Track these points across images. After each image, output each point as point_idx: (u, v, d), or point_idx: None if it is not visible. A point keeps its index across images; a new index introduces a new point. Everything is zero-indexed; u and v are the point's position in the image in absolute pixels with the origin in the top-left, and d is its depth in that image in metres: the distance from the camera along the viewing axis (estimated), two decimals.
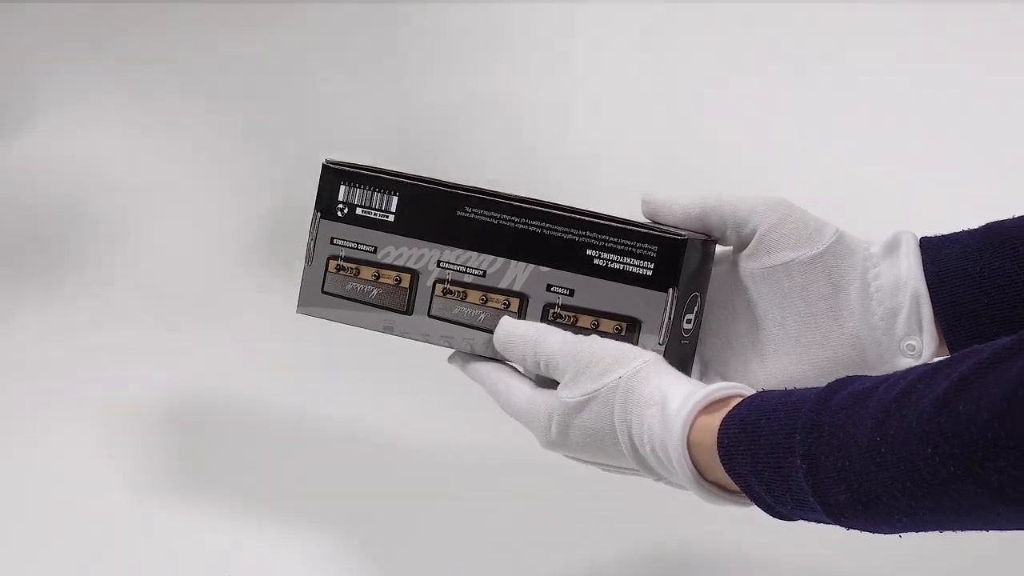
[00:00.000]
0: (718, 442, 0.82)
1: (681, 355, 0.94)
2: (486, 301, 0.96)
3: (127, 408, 1.32)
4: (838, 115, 1.50)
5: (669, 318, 0.92)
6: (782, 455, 0.79)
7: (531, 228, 0.95)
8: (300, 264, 1.00)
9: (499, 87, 1.51)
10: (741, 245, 0.95)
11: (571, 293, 0.94)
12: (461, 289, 0.96)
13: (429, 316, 0.97)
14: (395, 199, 0.98)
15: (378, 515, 1.20)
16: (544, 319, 0.94)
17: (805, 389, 0.82)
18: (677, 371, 0.88)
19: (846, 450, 0.76)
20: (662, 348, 0.91)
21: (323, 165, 1.00)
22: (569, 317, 0.94)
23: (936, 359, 0.77)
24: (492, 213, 0.96)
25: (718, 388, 0.85)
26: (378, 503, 1.21)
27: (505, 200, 0.96)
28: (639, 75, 1.52)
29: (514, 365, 0.96)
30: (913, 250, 0.93)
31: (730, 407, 0.84)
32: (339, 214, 0.99)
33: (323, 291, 0.99)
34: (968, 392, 0.71)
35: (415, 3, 1.47)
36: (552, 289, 0.94)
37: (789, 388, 0.83)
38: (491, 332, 0.95)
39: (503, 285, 0.95)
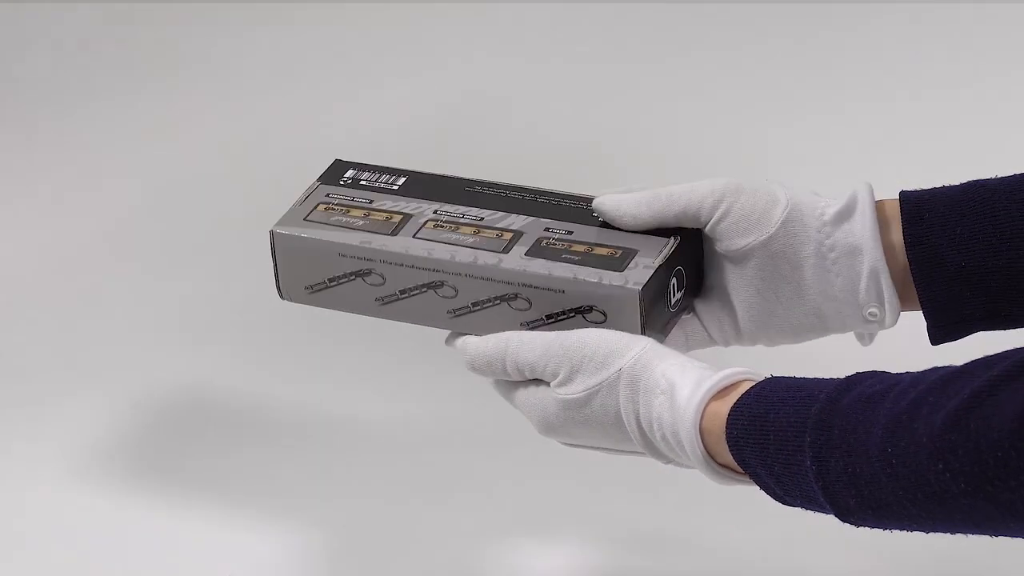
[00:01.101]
0: (727, 432, 0.82)
1: (664, 321, 0.93)
2: (478, 232, 0.95)
3: (125, 409, 1.31)
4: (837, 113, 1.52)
5: (669, 251, 0.92)
6: (792, 452, 0.79)
7: (540, 200, 0.97)
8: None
9: (499, 87, 1.51)
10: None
11: (569, 233, 0.94)
12: (453, 223, 0.96)
13: (414, 237, 0.96)
14: (403, 179, 0.99)
15: (375, 512, 1.20)
16: (535, 247, 0.93)
17: (815, 381, 0.81)
18: (678, 353, 0.87)
19: (856, 456, 0.76)
20: (654, 267, 0.91)
21: (335, 161, 1.02)
22: (562, 243, 0.93)
23: (942, 371, 0.77)
24: (502, 189, 0.98)
25: (727, 375, 0.84)
26: (376, 500, 1.21)
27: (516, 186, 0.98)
28: (641, 74, 1.52)
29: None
30: (868, 211, 0.91)
31: (739, 391, 0.83)
32: (340, 183, 1.00)
33: (305, 219, 0.98)
34: (980, 409, 0.71)
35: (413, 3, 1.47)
36: (549, 230, 0.95)
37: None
38: (481, 250, 0.93)
39: (499, 226, 0.96)
